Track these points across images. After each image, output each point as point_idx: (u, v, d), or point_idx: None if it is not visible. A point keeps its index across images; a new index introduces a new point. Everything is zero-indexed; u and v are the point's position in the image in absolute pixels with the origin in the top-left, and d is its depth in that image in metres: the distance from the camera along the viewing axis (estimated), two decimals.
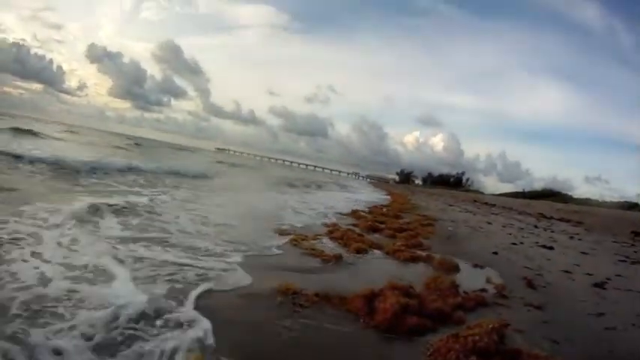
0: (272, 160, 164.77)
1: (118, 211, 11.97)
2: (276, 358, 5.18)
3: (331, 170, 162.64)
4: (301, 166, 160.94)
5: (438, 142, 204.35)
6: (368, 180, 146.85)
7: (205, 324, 5.60)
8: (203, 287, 7.12)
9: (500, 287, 9.56)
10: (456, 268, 10.86)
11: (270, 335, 5.87)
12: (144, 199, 15.00)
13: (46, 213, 10.05)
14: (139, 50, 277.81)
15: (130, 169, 24.66)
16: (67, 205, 11.33)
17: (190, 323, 5.56)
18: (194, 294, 6.75)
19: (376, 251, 12.43)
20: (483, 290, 9.20)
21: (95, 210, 11.37)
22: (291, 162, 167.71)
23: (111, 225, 10.42)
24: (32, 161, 19.62)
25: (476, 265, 11.97)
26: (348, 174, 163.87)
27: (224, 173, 40.86)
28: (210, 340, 5.16)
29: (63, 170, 19.42)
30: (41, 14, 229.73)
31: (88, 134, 59.10)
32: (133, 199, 14.65)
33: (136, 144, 59.10)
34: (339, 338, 6.02)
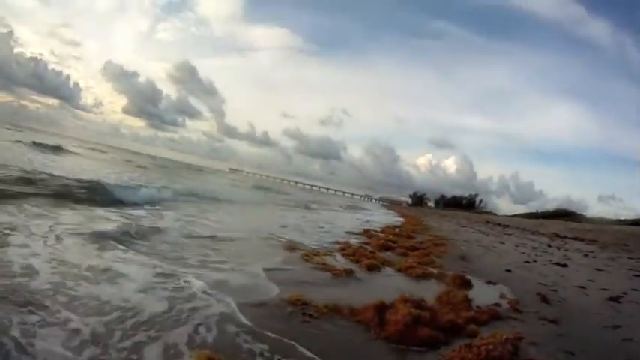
0: (285, 182, 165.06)
1: None
2: None
3: (344, 193, 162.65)
4: (314, 188, 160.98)
5: (450, 164, 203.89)
6: (380, 203, 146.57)
7: None
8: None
9: (514, 302, 9.39)
10: (468, 284, 10.67)
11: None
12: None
13: None
14: (155, 70, 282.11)
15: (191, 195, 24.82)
16: None
17: None
18: None
19: (388, 268, 12.26)
20: (497, 305, 9.02)
21: None
22: (304, 184, 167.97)
23: None
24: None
25: (489, 282, 11.79)
26: (361, 197, 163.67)
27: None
28: None
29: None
30: (59, 30, 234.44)
31: (110, 152, 59.13)
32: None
33: (161, 165, 58.71)
34: (349, 349, 5.90)
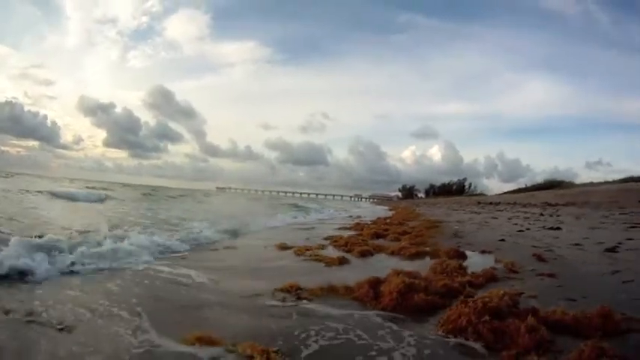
0: (273, 193, 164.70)
1: None
2: (283, 342, 4.88)
3: (334, 196, 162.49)
4: (303, 195, 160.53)
5: (435, 152, 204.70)
6: (370, 200, 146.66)
7: None
8: None
9: (510, 264, 9.31)
10: (462, 256, 10.58)
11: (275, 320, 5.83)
12: None
13: None
14: (130, 99, 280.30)
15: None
16: None
17: None
18: None
19: (381, 254, 12.15)
20: (493, 269, 8.91)
21: None
22: (293, 193, 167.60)
23: None
24: None
25: (483, 251, 11.73)
26: (351, 197, 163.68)
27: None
28: None
29: None
30: (30, 72, 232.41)
31: (107, 187, 57.91)
32: None
33: (147, 193, 57.39)
34: (346, 322, 5.77)
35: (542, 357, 4.23)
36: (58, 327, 5.17)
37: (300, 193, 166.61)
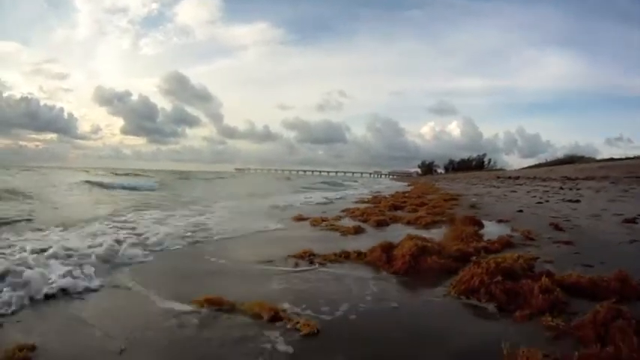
0: (292, 172, 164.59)
1: None
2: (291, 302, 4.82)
3: (353, 173, 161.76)
4: (322, 173, 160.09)
5: (454, 128, 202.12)
6: (390, 177, 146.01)
7: None
8: None
9: (527, 232, 9.16)
10: (479, 224, 10.38)
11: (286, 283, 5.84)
12: None
13: None
14: (146, 86, 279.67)
15: None
16: None
17: None
18: None
19: (398, 224, 12.04)
20: (509, 236, 8.76)
21: None
22: (312, 171, 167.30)
23: None
24: None
25: (500, 221, 11.61)
26: (370, 174, 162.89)
27: None
28: None
29: None
30: (43, 66, 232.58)
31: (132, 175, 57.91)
32: None
33: (183, 177, 56.92)
34: (358, 284, 5.70)
35: (556, 318, 4.10)
36: None
37: (320, 172, 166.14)
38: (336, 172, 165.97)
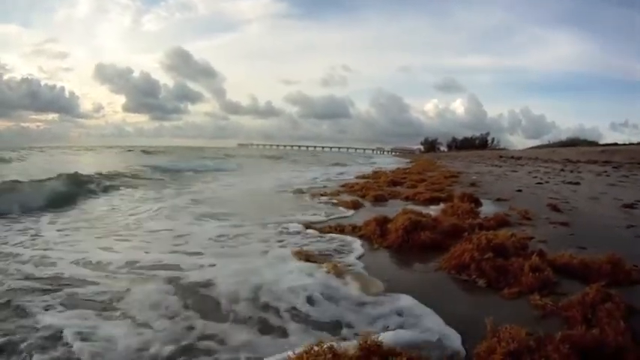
0: (295, 148, 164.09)
1: None
2: None
3: (356, 149, 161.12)
4: (325, 149, 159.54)
5: (458, 106, 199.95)
6: (392, 153, 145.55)
7: None
8: None
9: (524, 212, 9.06)
10: (476, 202, 10.29)
11: None
12: None
13: None
14: (147, 62, 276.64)
15: None
16: None
17: None
18: None
19: (397, 199, 11.98)
20: (506, 215, 8.69)
21: None
22: (315, 146, 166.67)
23: None
24: None
25: (499, 199, 11.52)
26: (373, 150, 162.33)
27: None
28: None
29: None
30: (43, 47, 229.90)
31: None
32: None
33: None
34: None
35: (545, 297, 4.06)
36: None
37: (322, 147, 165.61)
38: (339, 147, 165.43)
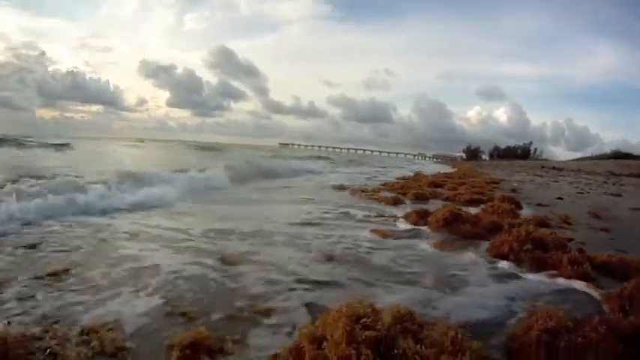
0: (337, 150, 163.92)
1: None
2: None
3: (397, 154, 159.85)
4: (367, 152, 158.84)
5: (501, 114, 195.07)
6: (434, 160, 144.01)
7: None
8: None
9: (564, 217, 8.97)
10: (517, 204, 10.23)
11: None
12: None
13: None
14: (191, 59, 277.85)
15: None
16: None
17: None
18: None
19: (437, 200, 11.92)
20: (546, 217, 8.61)
21: None
22: (356, 149, 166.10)
23: None
24: None
25: (539, 204, 11.38)
26: (414, 156, 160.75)
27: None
28: None
29: None
30: (89, 41, 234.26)
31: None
32: None
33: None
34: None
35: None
36: None
37: (364, 150, 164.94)
38: (380, 151, 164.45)
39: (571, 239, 6.46)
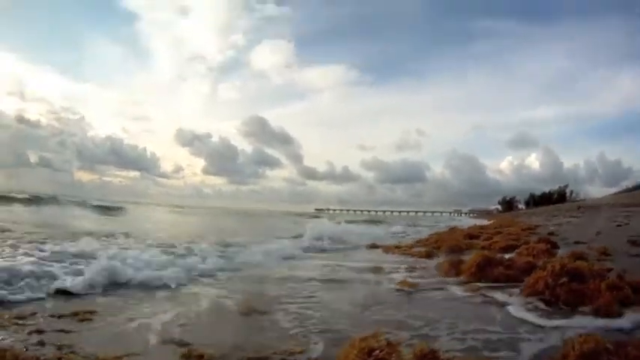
0: (372, 213, 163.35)
1: None
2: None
3: (433, 212, 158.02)
4: (402, 213, 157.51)
5: (533, 161, 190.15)
6: (470, 215, 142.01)
7: None
8: None
9: (602, 249, 8.68)
10: (553, 245, 9.95)
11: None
12: None
13: None
14: (226, 128, 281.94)
15: None
16: None
17: None
18: None
19: (472, 250, 11.65)
20: (583, 252, 8.32)
21: None
22: (392, 211, 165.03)
23: None
24: None
25: (577, 242, 11.03)
26: (450, 213, 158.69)
27: None
28: None
29: None
30: (126, 108, 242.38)
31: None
32: None
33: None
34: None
35: None
36: None
37: (400, 212, 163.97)
38: (416, 211, 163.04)
39: (610, 269, 6.21)
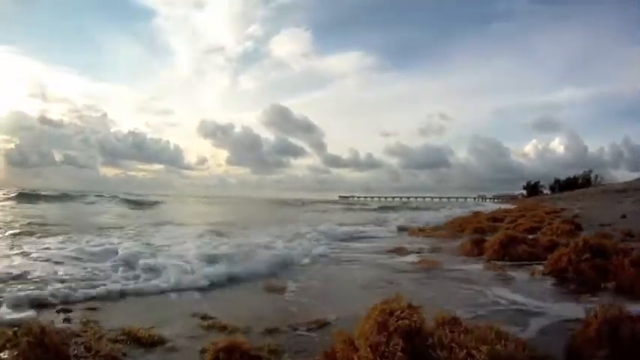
0: (396, 199, 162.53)
1: None
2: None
3: (457, 198, 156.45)
4: (426, 199, 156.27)
5: (557, 145, 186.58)
6: (494, 200, 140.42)
7: None
8: None
9: (627, 231, 8.59)
10: (577, 226, 9.86)
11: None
12: None
13: None
14: (248, 118, 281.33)
15: None
16: None
17: None
18: None
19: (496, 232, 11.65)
20: (607, 233, 8.26)
21: None
22: (416, 197, 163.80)
23: None
24: None
25: (601, 225, 10.93)
26: (474, 199, 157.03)
27: None
28: None
29: None
30: (148, 104, 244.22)
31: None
32: None
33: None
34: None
35: None
36: None
37: (424, 197, 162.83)
38: (440, 197, 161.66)
39: (633, 248, 6.17)
